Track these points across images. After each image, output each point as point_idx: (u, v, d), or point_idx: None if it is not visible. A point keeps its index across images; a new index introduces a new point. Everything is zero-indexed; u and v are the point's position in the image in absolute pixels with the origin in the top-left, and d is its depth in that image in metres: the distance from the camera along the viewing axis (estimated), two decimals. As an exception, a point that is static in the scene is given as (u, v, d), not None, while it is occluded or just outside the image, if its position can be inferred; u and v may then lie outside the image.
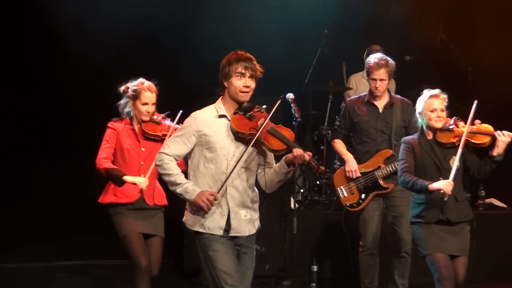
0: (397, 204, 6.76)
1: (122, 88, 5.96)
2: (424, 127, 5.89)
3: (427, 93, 5.90)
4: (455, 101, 6.64)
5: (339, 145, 7.02)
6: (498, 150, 5.73)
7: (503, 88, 9.02)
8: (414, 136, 5.97)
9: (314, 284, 7.63)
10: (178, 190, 4.87)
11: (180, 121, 5.47)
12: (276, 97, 4.95)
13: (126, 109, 5.95)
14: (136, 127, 5.95)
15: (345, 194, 6.93)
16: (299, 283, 7.48)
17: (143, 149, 5.92)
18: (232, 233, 4.90)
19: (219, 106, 4.95)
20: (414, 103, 6.05)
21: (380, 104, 6.87)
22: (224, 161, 4.88)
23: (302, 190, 8.72)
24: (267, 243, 7.39)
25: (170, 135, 5.43)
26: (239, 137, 4.90)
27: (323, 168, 5.08)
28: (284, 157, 4.92)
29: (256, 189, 5.05)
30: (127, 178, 5.78)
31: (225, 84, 4.93)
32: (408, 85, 8.70)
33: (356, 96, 7.19)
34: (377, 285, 6.91)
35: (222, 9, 9.07)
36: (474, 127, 5.81)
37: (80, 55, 8.49)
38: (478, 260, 7.30)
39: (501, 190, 8.87)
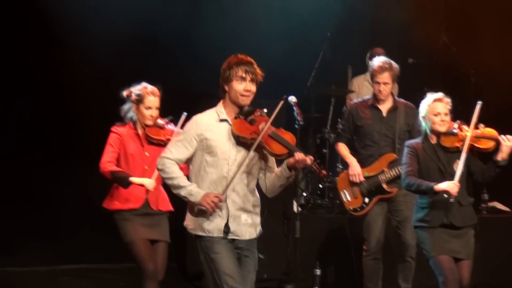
0: (401, 208, 6.73)
1: (125, 93, 5.93)
2: (428, 131, 5.86)
3: (430, 96, 5.85)
4: (458, 104, 6.62)
5: (343, 149, 6.99)
6: (503, 155, 5.70)
7: (506, 90, 9.00)
8: (418, 140, 5.93)
9: (317, 288, 7.62)
10: (182, 193, 4.85)
11: (184, 125, 5.44)
12: (278, 100, 4.93)
13: (130, 114, 5.92)
14: (140, 132, 5.93)
15: (349, 198, 6.89)
16: (302, 287, 7.46)
17: (147, 153, 5.89)
18: (231, 236, 4.88)
19: (220, 110, 4.94)
20: (416, 105, 6.02)
21: (384, 108, 6.84)
22: (225, 165, 4.86)
23: (305, 194, 8.69)
24: (270, 247, 7.33)
25: (173, 139, 5.41)
26: (240, 141, 4.88)
27: (325, 172, 5.07)
28: (285, 162, 4.89)
29: (257, 193, 5.03)
30: (133, 179, 5.75)
31: (226, 88, 4.91)
32: (410, 88, 8.67)
33: (360, 100, 7.14)
34: (381, 289, 6.91)
35: (224, 12, 9.05)
36: (478, 131, 5.77)
37: (80, 56, 8.47)
38: (481, 264, 7.27)
39: (504, 194, 8.86)
